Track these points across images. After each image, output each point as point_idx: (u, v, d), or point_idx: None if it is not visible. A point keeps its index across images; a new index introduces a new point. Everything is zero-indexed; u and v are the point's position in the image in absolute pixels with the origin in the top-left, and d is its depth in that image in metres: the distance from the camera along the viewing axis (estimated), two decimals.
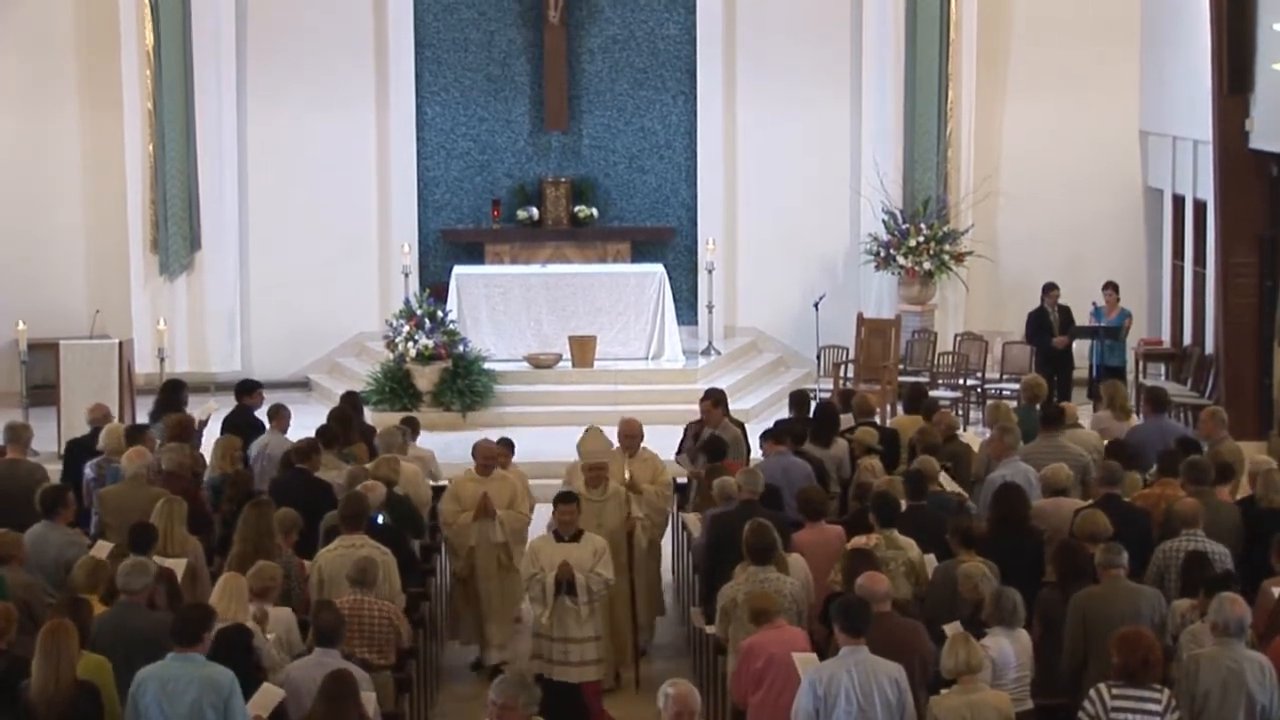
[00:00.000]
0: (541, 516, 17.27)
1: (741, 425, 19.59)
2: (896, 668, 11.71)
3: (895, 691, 11.62)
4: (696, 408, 19.74)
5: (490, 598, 17.02)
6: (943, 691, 11.70)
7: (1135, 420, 19.81)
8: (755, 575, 13.78)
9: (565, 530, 15.22)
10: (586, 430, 17.19)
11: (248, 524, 14.52)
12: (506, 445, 18.15)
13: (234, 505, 15.81)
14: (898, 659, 11.83)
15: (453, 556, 17.24)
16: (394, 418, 21.22)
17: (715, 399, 19.18)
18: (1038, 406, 19.39)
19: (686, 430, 19.33)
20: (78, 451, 18.37)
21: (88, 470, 17.44)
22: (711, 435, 18.44)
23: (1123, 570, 13.21)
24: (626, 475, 17.11)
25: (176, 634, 11.49)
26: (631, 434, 17.80)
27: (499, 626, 17.12)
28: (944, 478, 16.72)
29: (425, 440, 20.03)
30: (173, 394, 20.09)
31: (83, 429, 19.47)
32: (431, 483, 18.72)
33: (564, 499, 15.40)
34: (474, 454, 17.36)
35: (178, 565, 14.22)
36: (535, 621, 15.27)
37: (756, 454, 18.75)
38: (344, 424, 18.49)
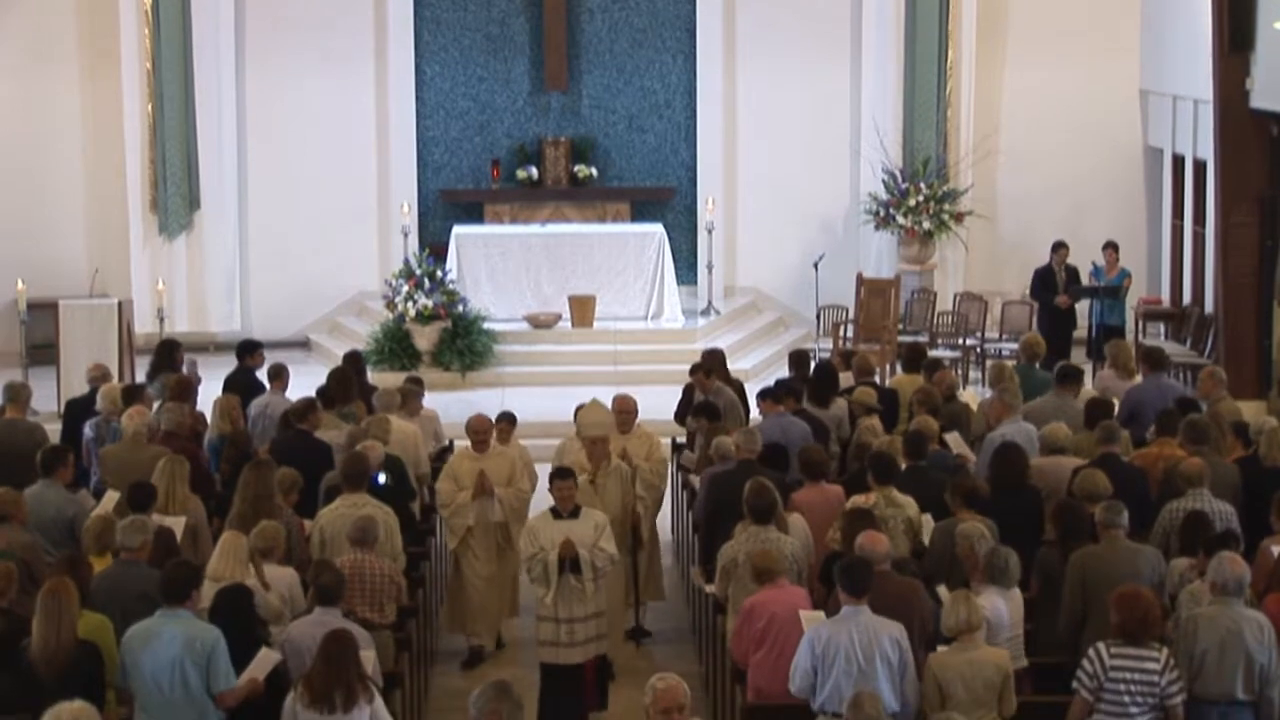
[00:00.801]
0: (544, 494, 16.72)
1: (740, 386, 19.58)
2: (898, 627, 11.74)
3: (896, 651, 11.65)
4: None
5: (488, 581, 16.39)
6: (941, 649, 11.74)
7: (1138, 380, 19.81)
8: (756, 534, 13.80)
9: (564, 507, 14.53)
10: (586, 403, 16.72)
11: (248, 484, 14.53)
12: (507, 419, 17.71)
13: (234, 465, 15.82)
14: (897, 618, 11.86)
15: (450, 538, 16.55)
16: (394, 378, 21.24)
17: (707, 369, 19.13)
18: (1037, 365, 19.41)
19: (685, 391, 19.32)
20: (77, 411, 18.40)
21: (87, 430, 17.45)
22: (704, 401, 18.42)
23: (1122, 530, 13.23)
24: (622, 452, 16.45)
25: (164, 591, 11.54)
26: (626, 410, 17.10)
27: (498, 611, 16.57)
28: (955, 439, 16.73)
29: (424, 400, 19.96)
30: (168, 354, 20.09)
31: (82, 388, 19.48)
32: (435, 444, 18.74)
33: (560, 474, 14.69)
34: (468, 430, 16.67)
35: (176, 524, 14.25)
36: (538, 603, 14.46)
37: (755, 416, 18.74)
38: (343, 384, 18.47)
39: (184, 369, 20.12)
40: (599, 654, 14.68)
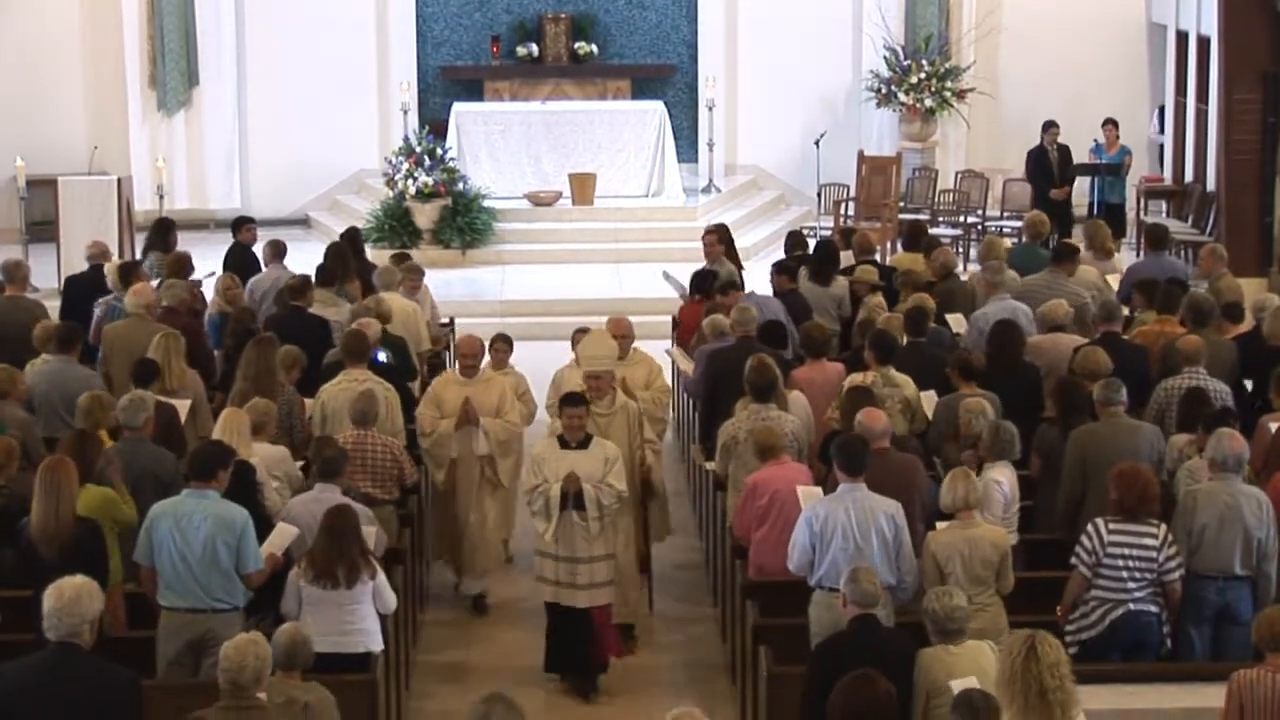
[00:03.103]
0: (538, 427, 15.57)
1: (739, 266, 19.57)
2: (894, 504, 11.77)
3: (891, 528, 11.68)
4: (698, 245, 19.76)
5: (471, 518, 14.89)
6: (939, 526, 11.78)
7: (1117, 259, 19.79)
8: (757, 412, 13.82)
9: (572, 436, 13.14)
10: (587, 332, 15.06)
11: (249, 361, 14.54)
12: (504, 341, 15.99)
13: (237, 341, 15.83)
14: (896, 494, 11.89)
15: (434, 469, 14.99)
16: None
17: (720, 235, 19.21)
18: (1039, 244, 19.39)
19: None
20: (77, 288, 18.39)
21: (97, 309, 17.41)
22: (701, 270, 18.44)
23: (1122, 407, 13.25)
24: (621, 381, 14.63)
25: (193, 470, 11.54)
26: (622, 334, 15.38)
27: (481, 552, 14.94)
28: (957, 319, 16.75)
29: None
30: (163, 233, 20.03)
31: (82, 265, 19.45)
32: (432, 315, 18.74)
33: (571, 401, 13.25)
34: (456, 351, 15.36)
35: (182, 406, 14.28)
36: (538, 538, 13.23)
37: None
38: (341, 261, 18.44)
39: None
40: (608, 602, 13.29)
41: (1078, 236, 24.02)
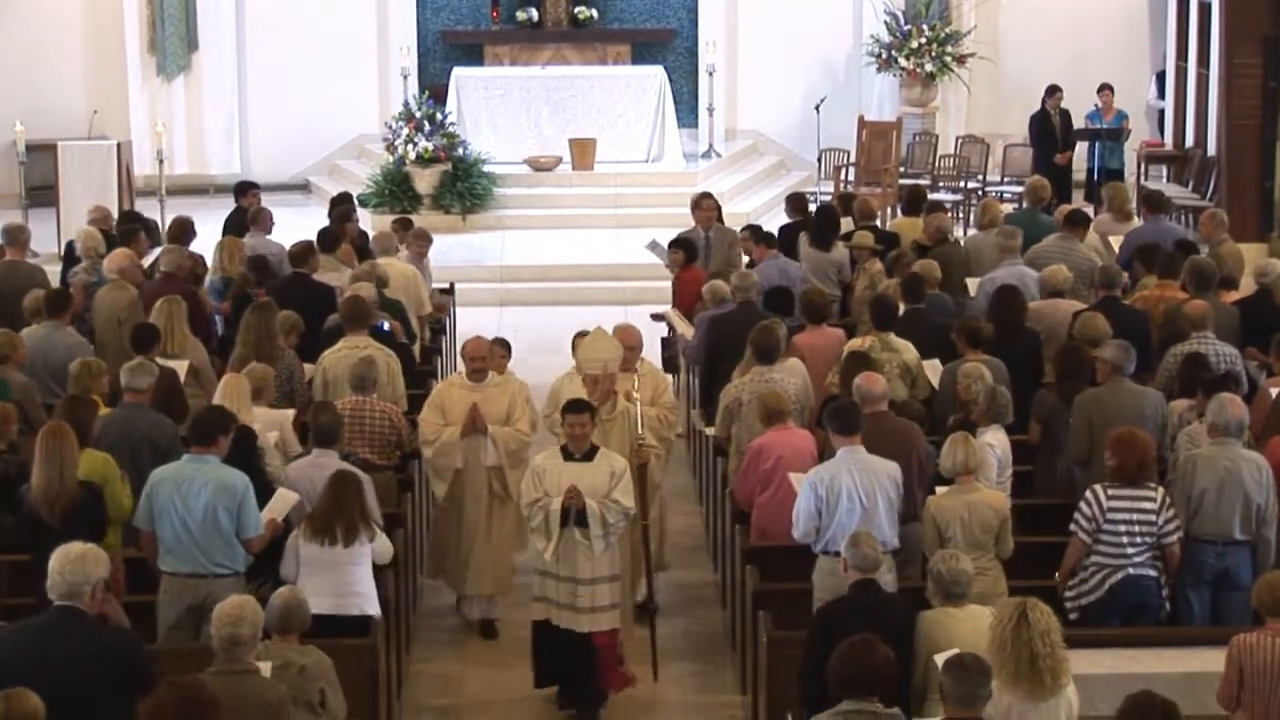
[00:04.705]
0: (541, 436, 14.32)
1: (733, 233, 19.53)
2: (895, 466, 11.79)
3: (895, 490, 11.72)
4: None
5: (480, 535, 13.75)
6: (939, 490, 11.79)
7: (1137, 222, 19.81)
8: (761, 375, 13.81)
9: (577, 447, 12.16)
10: (586, 333, 13.95)
11: (250, 327, 14.55)
12: (502, 346, 14.56)
13: (239, 306, 15.83)
14: (894, 458, 11.90)
15: (435, 482, 13.86)
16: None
17: (717, 207, 19.22)
18: (1040, 208, 19.38)
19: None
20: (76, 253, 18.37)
21: (71, 280, 17.37)
22: (684, 236, 18.50)
23: (1125, 372, 13.25)
24: (635, 392, 13.33)
25: (193, 435, 11.55)
26: (631, 344, 13.94)
27: (490, 572, 13.78)
28: (973, 283, 16.77)
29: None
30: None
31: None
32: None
33: (574, 408, 12.26)
34: (463, 354, 14.08)
35: (180, 367, 14.29)
36: (537, 556, 12.26)
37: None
38: (336, 227, 18.39)
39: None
40: (612, 627, 12.30)
41: (1078, 201, 24.08)
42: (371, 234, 19.40)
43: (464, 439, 13.53)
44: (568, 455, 12.18)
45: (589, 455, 12.18)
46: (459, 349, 14.83)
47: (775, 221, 21.39)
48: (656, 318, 18.66)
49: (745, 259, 18.43)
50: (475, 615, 13.96)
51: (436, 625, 14.09)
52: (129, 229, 18.34)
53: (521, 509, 12.47)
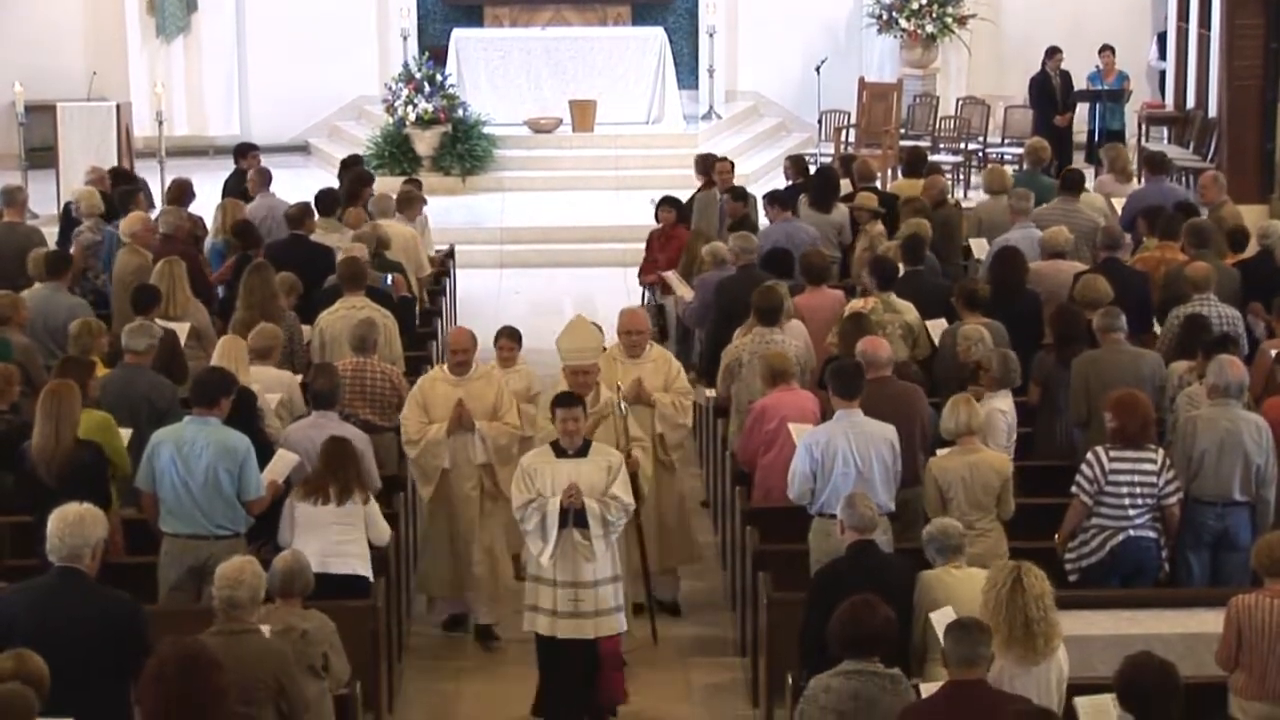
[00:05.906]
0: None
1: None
2: (891, 429, 11.79)
3: (891, 454, 11.73)
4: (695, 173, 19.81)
5: (473, 538, 12.93)
6: (940, 452, 11.80)
7: (1137, 183, 19.79)
8: (762, 335, 13.80)
9: (569, 443, 11.44)
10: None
11: (250, 289, 14.55)
12: (510, 338, 13.87)
13: (237, 269, 15.83)
14: (896, 422, 11.91)
15: (421, 483, 13.01)
16: (394, 182, 21.16)
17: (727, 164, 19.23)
18: (1040, 170, 19.37)
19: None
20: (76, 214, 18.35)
21: (74, 241, 17.36)
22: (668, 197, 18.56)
23: (1122, 334, 13.25)
24: (620, 384, 12.72)
25: (194, 396, 11.56)
26: (635, 329, 13.36)
27: (489, 577, 13.01)
28: (979, 244, 16.75)
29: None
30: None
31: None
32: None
33: (563, 402, 11.54)
34: (446, 345, 13.57)
35: (181, 329, 14.29)
36: (533, 562, 11.49)
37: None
38: (332, 194, 18.35)
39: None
40: (618, 630, 11.63)
41: (1079, 162, 24.04)
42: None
43: (450, 437, 12.77)
44: (560, 452, 11.46)
45: (582, 451, 11.47)
46: (447, 334, 14.26)
47: (774, 183, 21.34)
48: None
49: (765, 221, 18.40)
50: (478, 622, 13.23)
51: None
52: (128, 190, 18.31)
53: (513, 511, 11.59)
